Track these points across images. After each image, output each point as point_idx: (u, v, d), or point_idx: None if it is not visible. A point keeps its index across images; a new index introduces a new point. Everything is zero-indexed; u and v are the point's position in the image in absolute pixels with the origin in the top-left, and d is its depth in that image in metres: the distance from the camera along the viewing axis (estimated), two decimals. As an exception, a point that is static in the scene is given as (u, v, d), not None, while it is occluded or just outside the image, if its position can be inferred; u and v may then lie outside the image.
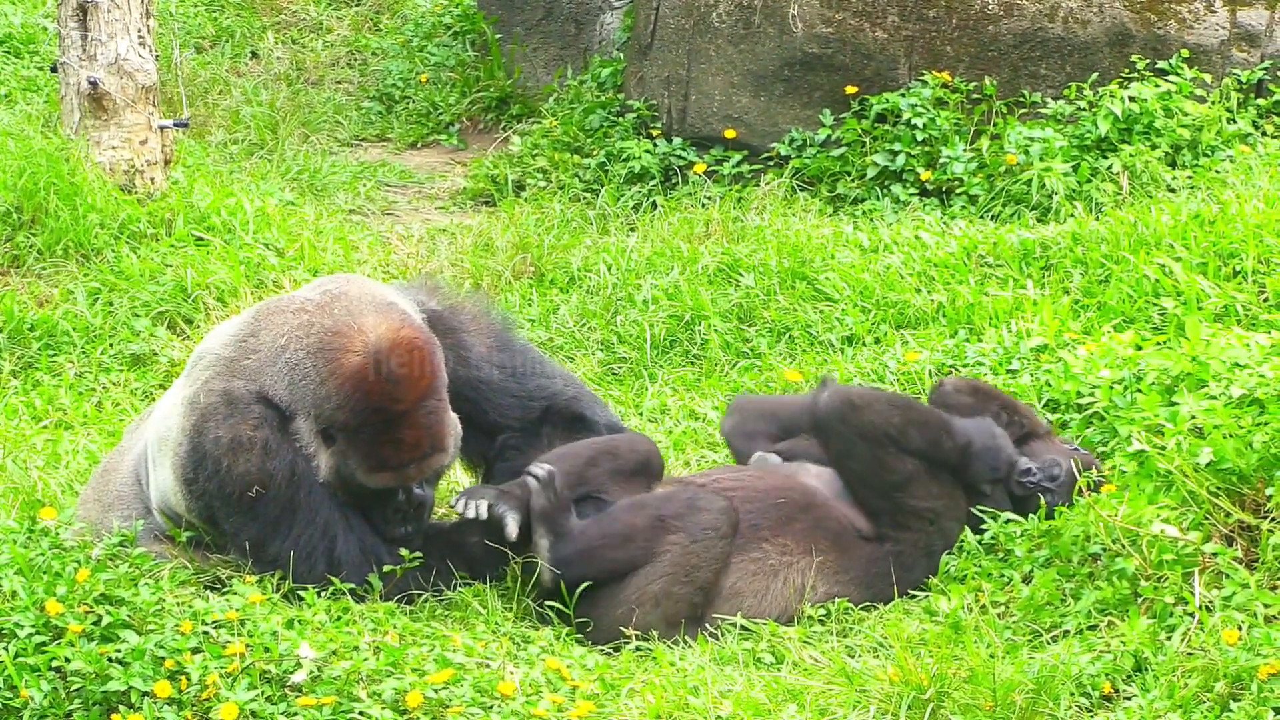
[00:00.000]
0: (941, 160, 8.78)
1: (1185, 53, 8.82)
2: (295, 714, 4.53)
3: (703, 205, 8.82)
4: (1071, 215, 8.08)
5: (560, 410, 5.61)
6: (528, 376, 5.53)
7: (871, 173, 8.90)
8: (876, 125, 9.00)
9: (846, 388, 5.61)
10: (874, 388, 6.00)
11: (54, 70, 8.69)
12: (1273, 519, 4.94)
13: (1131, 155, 8.42)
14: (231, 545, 5.18)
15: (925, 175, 8.78)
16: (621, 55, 10.25)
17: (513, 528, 5.22)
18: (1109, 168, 8.43)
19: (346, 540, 5.14)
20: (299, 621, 4.83)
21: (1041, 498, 5.47)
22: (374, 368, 5.08)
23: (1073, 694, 4.68)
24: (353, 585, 5.08)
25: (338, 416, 5.09)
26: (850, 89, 9.11)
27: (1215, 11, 8.87)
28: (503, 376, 5.49)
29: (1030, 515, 5.42)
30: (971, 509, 5.51)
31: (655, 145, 9.47)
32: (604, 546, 5.27)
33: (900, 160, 8.85)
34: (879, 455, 5.45)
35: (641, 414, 6.74)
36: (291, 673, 4.61)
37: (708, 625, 5.23)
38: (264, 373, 5.17)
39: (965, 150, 8.80)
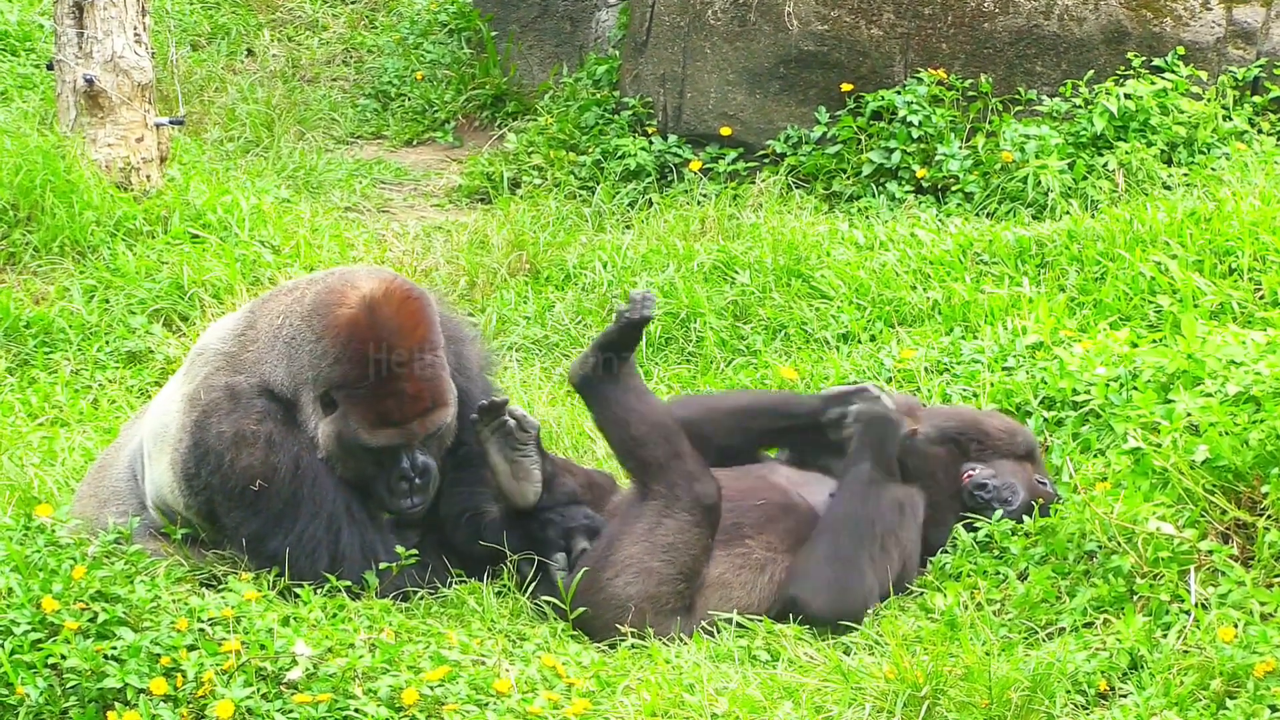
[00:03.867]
0: (937, 158, 8.78)
1: (1181, 50, 8.82)
2: (291, 711, 4.53)
3: (698, 203, 8.81)
4: (1067, 213, 8.08)
5: None
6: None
7: (867, 170, 8.90)
8: (872, 123, 9.00)
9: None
10: None
11: (50, 68, 8.68)
12: (1269, 516, 4.94)
13: (1127, 152, 8.42)
14: (229, 541, 5.17)
15: (921, 173, 8.77)
16: (617, 53, 10.25)
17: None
18: (1105, 165, 8.43)
19: (350, 534, 5.13)
20: (295, 619, 4.82)
21: (996, 510, 5.49)
22: (367, 313, 5.06)
23: (1068, 691, 4.68)
24: (349, 583, 5.08)
25: (335, 373, 5.07)
26: (846, 86, 9.11)
27: (1211, 9, 8.87)
28: (483, 395, 5.47)
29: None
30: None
31: (651, 143, 9.47)
32: (626, 420, 5.32)
33: (896, 158, 8.85)
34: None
35: (637, 411, 6.73)
36: (287, 670, 4.60)
37: (702, 621, 5.22)
38: (264, 362, 5.17)
39: (961, 147, 8.79)
